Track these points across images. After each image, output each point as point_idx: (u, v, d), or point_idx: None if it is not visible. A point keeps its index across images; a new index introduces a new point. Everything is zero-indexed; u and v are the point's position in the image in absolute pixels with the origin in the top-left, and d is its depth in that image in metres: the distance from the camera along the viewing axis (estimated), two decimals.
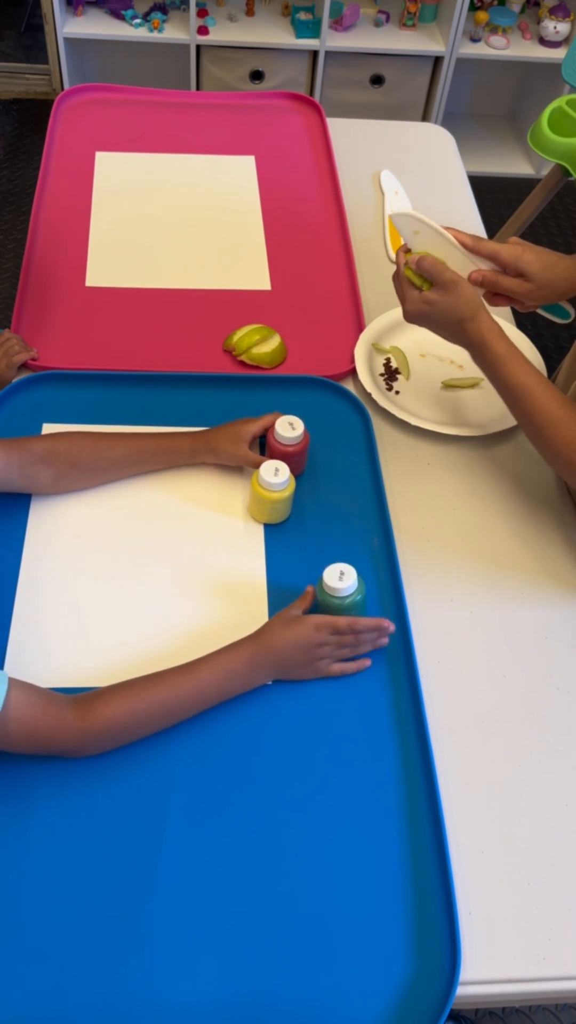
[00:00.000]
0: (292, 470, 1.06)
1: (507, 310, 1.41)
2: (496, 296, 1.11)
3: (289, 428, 1.07)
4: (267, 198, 1.56)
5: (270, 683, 0.95)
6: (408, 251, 1.08)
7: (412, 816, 0.88)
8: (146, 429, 1.14)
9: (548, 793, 0.92)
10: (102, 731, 0.85)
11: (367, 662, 0.97)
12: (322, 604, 0.96)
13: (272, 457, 1.08)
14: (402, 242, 1.09)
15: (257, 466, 1.07)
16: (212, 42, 2.75)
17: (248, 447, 1.09)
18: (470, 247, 1.06)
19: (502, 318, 1.35)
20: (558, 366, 1.30)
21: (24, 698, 0.81)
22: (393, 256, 1.47)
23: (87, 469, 1.08)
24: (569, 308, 1.15)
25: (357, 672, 0.97)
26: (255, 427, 1.09)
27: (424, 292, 1.04)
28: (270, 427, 1.09)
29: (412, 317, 1.07)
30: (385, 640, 0.98)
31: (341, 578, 0.94)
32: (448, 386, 1.28)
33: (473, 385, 1.27)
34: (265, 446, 1.11)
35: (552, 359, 1.33)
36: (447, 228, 1.05)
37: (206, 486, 1.12)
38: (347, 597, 0.95)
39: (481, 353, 1.04)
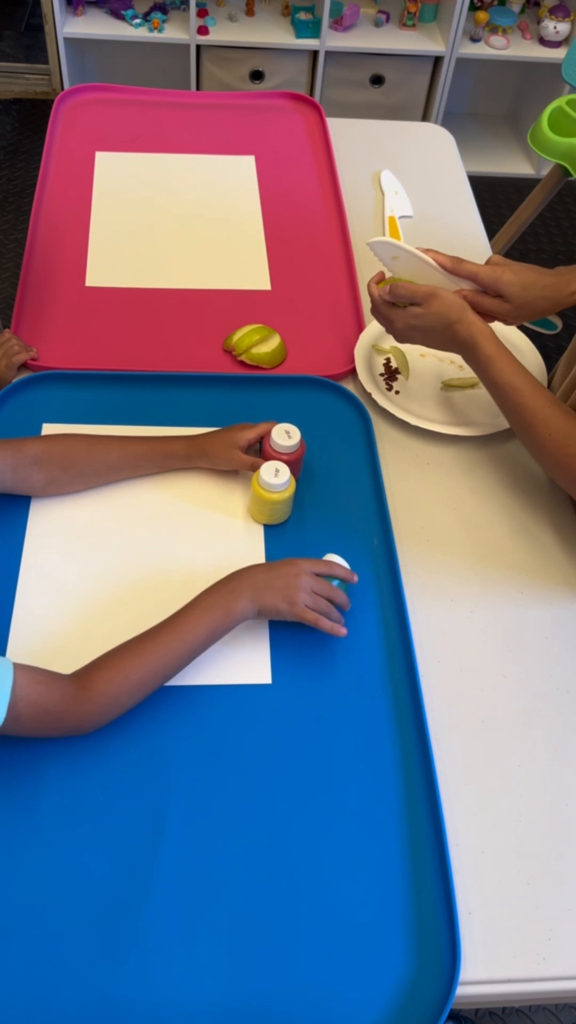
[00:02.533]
0: None
1: None
2: (481, 314, 1.10)
3: (285, 436, 1.06)
4: (267, 198, 1.56)
5: (269, 682, 0.95)
6: (379, 281, 1.10)
7: (412, 816, 0.88)
8: (143, 431, 1.13)
9: (548, 793, 0.92)
10: (102, 693, 0.85)
11: (343, 630, 0.95)
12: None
13: (266, 460, 1.07)
14: (402, 241, 1.09)
15: (251, 468, 1.07)
16: (212, 42, 2.75)
17: (242, 453, 1.09)
18: (449, 268, 1.07)
19: None
20: (556, 364, 1.30)
21: (29, 677, 0.82)
22: (377, 276, 1.47)
23: (80, 473, 1.08)
24: (556, 320, 1.15)
25: (331, 633, 0.94)
26: (250, 434, 1.09)
27: (408, 309, 1.06)
28: (266, 435, 1.09)
29: (402, 336, 1.09)
30: (343, 631, 0.96)
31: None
32: (448, 386, 1.28)
33: (473, 385, 1.27)
34: (261, 453, 1.10)
35: (552, 359, 1.33)
36: (426, 250, 1.07)
37: (207, 487, 1.12)
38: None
39: (472, 354, 1.05)
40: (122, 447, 1.09)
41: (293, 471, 1.09)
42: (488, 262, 1.10)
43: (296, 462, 1.09)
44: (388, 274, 1.11)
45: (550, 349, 1.36)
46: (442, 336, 1.06)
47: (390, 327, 1.09)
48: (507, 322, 1.12)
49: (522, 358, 1.29)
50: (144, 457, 1.09)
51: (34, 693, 0.82)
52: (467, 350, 1.05)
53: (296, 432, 1.07)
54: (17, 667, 0.81)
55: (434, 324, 1.05)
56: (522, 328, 1.27)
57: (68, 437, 1.08)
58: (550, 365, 1.31)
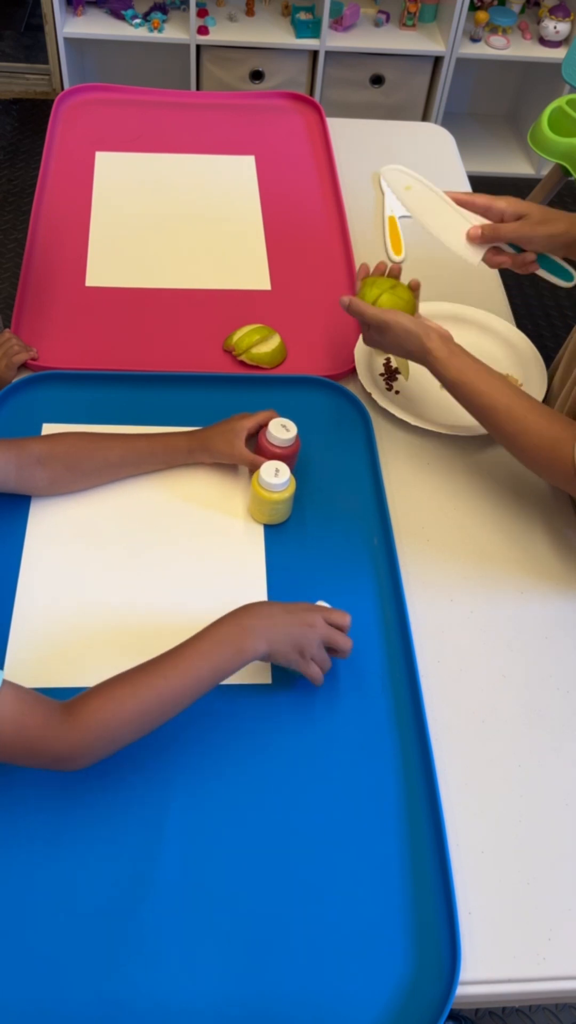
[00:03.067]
0: None
1: (506, 309, 1.41)
2: (497, 255, 1.11)
3: (283, 430, 1.06)
4: (267, 198, 1.56)
5: (269, 682, 0.95)
6: (365, 279, 1.12)
7: (412, 816, 0.88)
8: (144, 429, 1.14)
9: (548, 793, 0.92)
10: (94, 727, 0.79)
11: (328, 664, 0.92)
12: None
13: (263, 453, 1.08)
14: (402, 242, 1.10)
15: (252, 465, 1.07)
16: (212, 42, 2.75)
17: (244, 443, 1.08)
18: (463, 202, 1.08)
19: (501, 317, 1.35)
20: (556, 360, 1.30)
21: (13, 694, 0.77)
22: (393, 256, 1.47)
23: (84, 471, 1.08)
24: (570, 269, 1.12)
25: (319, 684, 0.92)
26: (250, 422, 1.09)
27: (368, 331, 1.09)
28: (264, 426, 1.09)
29: (367, 342, 1.13)
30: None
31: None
32: None
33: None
34: (256, 447, 1.10)
35: (553, 358, 1.33)
36: (444, 192, 1.08)
37: (206, 486, 1.12)
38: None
39: (437, 378, 1.06)
40: (124, 444, 1.09)
41: (290, 463, 1.09)
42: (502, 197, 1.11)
43: (292, 456, 1.09)
44: (390, 210, 1.11)
45: (550, 349, 1.36)
46: (403, 356, 1.09)
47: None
48: (526, 264, 1.11)
49: (520, 357, 1.30)
50: (147, 453, 1.09)
51: (16, 712, 0.76)
52: (432, 372, 1.06)
53: (293, 427, 1.07)
54: (5, 683, 0.76)
55: (390, 348, 1.08)
56: (530, 307, 1.26)
57: (71, 436, 1.08)
58: (549, 363, 1.31)
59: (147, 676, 0.83)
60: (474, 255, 1.10)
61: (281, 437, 1.06)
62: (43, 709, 0.79)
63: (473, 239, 1.08)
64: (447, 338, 1.05)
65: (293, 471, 1.11)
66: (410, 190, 1.06)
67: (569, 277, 1.13)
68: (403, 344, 1.05)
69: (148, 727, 0.83)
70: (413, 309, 1.10)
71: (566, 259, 1.13)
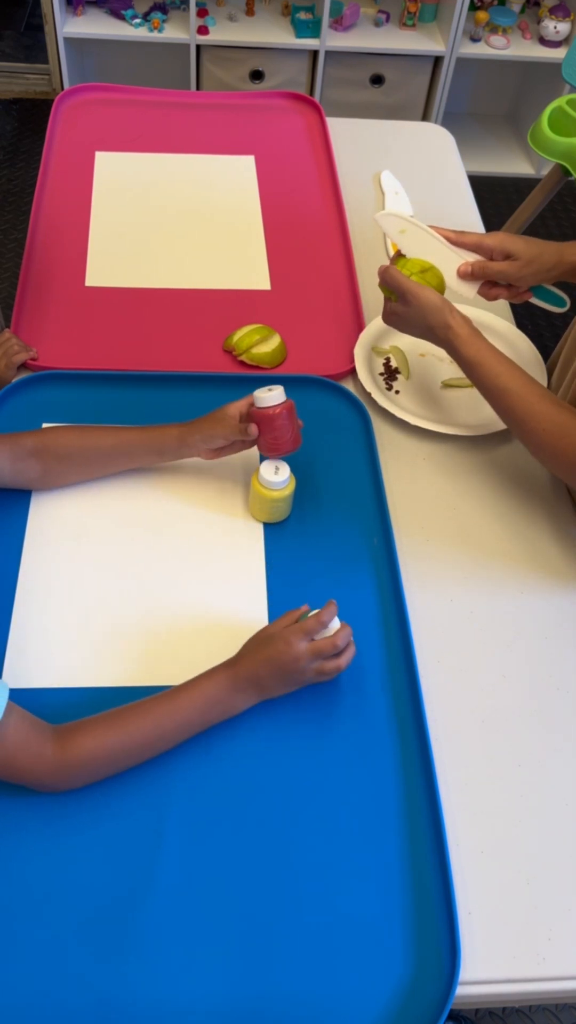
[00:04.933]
0: (283, 442, 1.04)
1: (506, 309, 1.41)
2: (492, 288, 1.14)
3: (266, 391, 1.03)
4: (267, 198, 1.56)
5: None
6: (399, 258, 1.12)
7: (412, 816, 0.88)
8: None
9: (548, 793, 0.92)
10: (79, 763, 0.83)
11: (344, 663, 0.92)
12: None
13: (257, 425, 1.04)
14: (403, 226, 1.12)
15: (242, 433, 1.03)
16: (212, 42, 2.75)
17: (233, 422, 1.05)
18: (454, 240, 1.11)
19: (501, 317, 1.35)
20: (554, 355, 1.30)
21: (14, 725, 0.80)
22: (393, 256, 1.47)
23: (76, 463, 1.08)
24: (563, 295, 1.16)
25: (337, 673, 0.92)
26: (239, 403, 1.05)
27: (391, 303, 1.10)
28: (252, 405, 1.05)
29: (386, 319, 1.13)
30: (353, 650, 0.94)
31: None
32: (448, 385, 1.28)
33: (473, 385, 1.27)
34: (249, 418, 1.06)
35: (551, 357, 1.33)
36: (432, 227, 1.11)
37: (206, 485, 1.12)
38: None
39: (454, 356, 1.07)
40: (116, 435, 1.08)
41: (283, 429, 1.04)
42: (490, 234, 1.13)
43: (285, 418, 1.04)
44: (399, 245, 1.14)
45: (550, 350, 1.36)
46: (423, 336, 1.09)
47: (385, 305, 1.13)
48: (519, 293, 1.15)
49: (520, 357, 1.30)
50: (138, 443, 1.08)
51: (17, 741, 0.80)
52: (449, 351, 1.07)
53: (278, 387, 1.03)
54: (10, 708, 0.79)
55: (414, 324, 1.08)
56: (529, 306, 1.27)
57: (62, 428, 1.08)
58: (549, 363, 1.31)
59: (138, 719, 0.86)
60: (469, 291, 1.14)
61: (265, 397, 1.02)
62: (37, 739, 0.82)
63: (463, 276, 1.12)
64: (468, 320, 1.07)
65: (300, 442, 1.07)
66: (405, 233, 1.11)
67: (562, 304, 1.18)
68: (426, 318, 1.06)
69: (133, 764, 0.87)
70: (442, 292, 1.11)
71: (561, 283, 1.16)
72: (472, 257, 1.11)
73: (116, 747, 0.84)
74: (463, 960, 0.80)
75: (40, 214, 1.48)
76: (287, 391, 1.23)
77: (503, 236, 1.11)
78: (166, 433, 1.08)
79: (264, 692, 0.91)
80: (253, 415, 1.05)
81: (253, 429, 1.03)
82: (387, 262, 1.46)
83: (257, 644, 0.91)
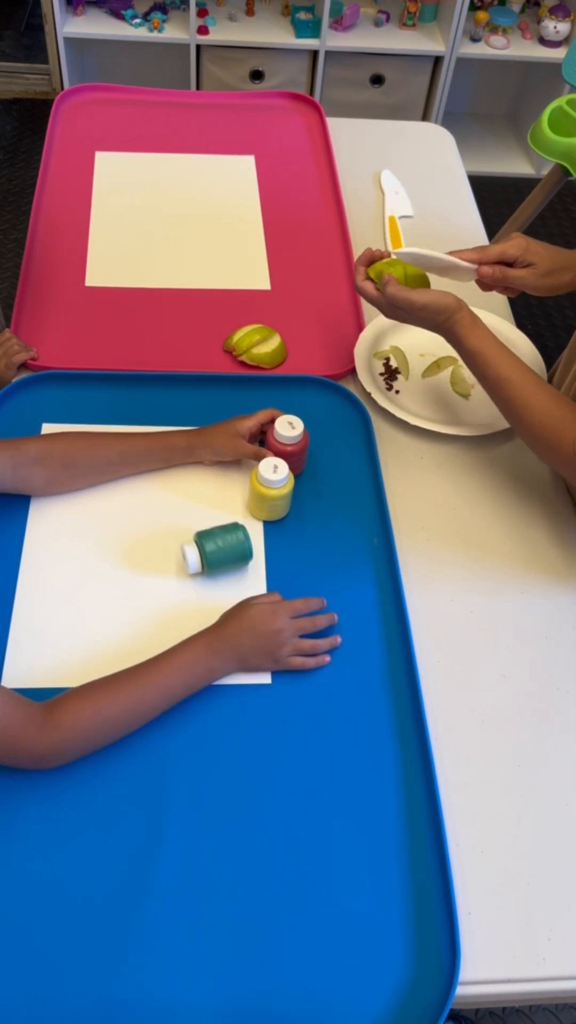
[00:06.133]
0: (291, 470, 1.06)
1: (506, 309, 1.41)
2: (507, 288, 1.16)
3: (289, 427, 1.07)
4: (267, 198, 1.56)
5: (268, 682, 0.95)
6: (370, 263, 1.11)
7: (412, 816, 0.88)
8: (144, 429, 1.13)
9: (548, 793, 0.92)
10: (69, 732, 0.84)
11: (326, 658, 0.97)
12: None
13: (271, 451, 1.08)
14: (402, 241, 1.10)
15: (255, 457, 1.07)
16: (212, 42, 2.75)
17: (245, 443, 1.09)
18: (477, 260, 1.12)
19: (501, 317, 1.35)
20: (557, 359, 1.30)
21: None
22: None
23: (82, 470, 1.08)
24: None
25: (317, 667, 0.96)
26: (251, 422, 1.09)
27: (394, 309, 1.07)
28: (269, 427, 1.09)
29: (388, 314, 1.10)
30: (338, 639, 0.98)
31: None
32: (427, 375, 1.28)
33: (451, 371, 1.27)
34: (265, 446, 1.10)
35: (553, 357, 1.33)
36: (450, 252, 1.11)
37: (205, 484, 1.12)
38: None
39: (458, 348, 1.07)
40: (123, 443, 1.09)
41: (297, 462, 1.10)
42: (509, 239, 1.13)
43: (300, 453, 1.09)
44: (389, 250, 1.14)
45: (551, 349, 1.36)
46: (428, 329, 1.09)
47: (379, 309, 1.11)
48: (538, 291, 1.16)
49: (520, 357, 1.29)
50: (145, 451, 1.09)
51: (5, 705, 0.80)
52: (454, 344, 1.07)
53: (299, 423, 1.08)
54: None
55: (422, 323, 1.08)
56: (529, 306, 1.29)
57: (68, 435, 1.08)
58: (549, 363, 1.31)
59: (124, 685, 0.88)
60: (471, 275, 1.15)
61: (288, 435, 1.07)
62: (24, 711, 0.82)
63: (484, 277, 1.13)
64: (471, 311, 1.07)
65: (303, 468, 1.12)
66: (427, 266, 1.12)
67: None
68: (434, 318, 1.06)
69: (122, 732, 0.89)
70: (428, 283, 1.11)
71: None
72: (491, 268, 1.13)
73: (102, 710, 0.86)
74: (463, 960, 0.80)
75: (40, 214, 1.48)
76: (287, 391, 1.23)
77: (526, 244, 1.12)
78: (174, 442, 1.09)
79: (242, 660, 0.93)
80: (270, 445, 1.08)
81: (267, 457, 1.05)
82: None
83: (239, 608, 0.95)
